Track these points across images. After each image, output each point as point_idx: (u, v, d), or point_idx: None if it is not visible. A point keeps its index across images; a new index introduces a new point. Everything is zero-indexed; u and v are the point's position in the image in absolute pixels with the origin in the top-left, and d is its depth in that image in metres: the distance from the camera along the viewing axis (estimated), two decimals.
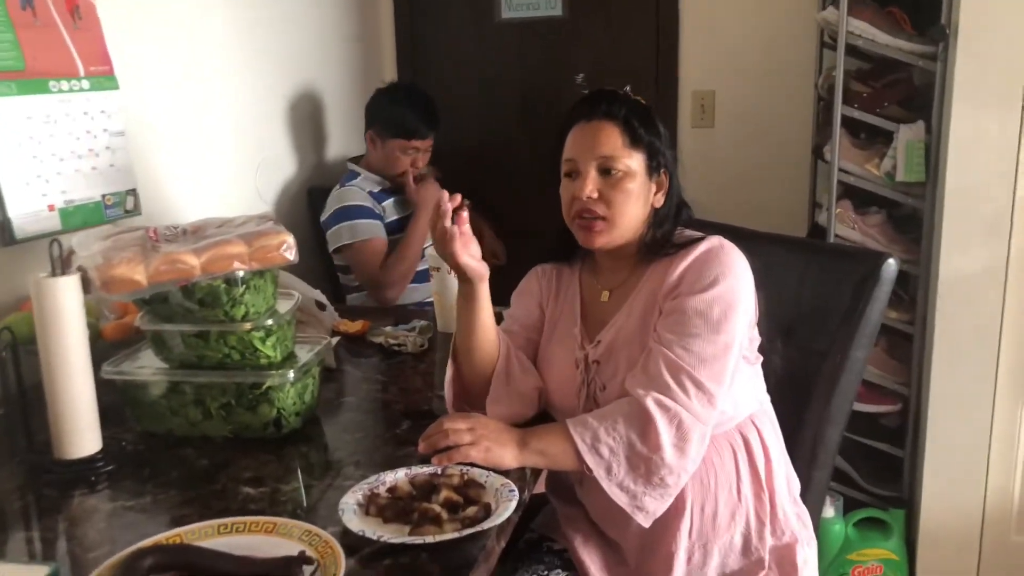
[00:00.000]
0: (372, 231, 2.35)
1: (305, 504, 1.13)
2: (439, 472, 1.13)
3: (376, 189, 2.45)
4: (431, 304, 1.96)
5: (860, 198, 2.27)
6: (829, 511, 2.20)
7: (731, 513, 1.27)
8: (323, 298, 1.76)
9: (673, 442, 1.16)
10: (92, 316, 1.44)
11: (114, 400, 1.31)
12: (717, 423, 1.23)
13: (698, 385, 1.18)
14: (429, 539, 0.97)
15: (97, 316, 1.53)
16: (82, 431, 1.19)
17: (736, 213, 1.93)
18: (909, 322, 2.20)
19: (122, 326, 1.49)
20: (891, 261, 1.43)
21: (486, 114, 3.12)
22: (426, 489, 1.09)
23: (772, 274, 1.45)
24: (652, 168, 1.28)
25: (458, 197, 1.24)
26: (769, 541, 1.29)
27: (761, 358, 1.35)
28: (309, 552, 0.93)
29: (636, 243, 1.31)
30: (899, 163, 2.11)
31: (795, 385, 1.45)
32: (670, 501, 1.18)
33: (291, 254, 1.29)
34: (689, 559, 1.26)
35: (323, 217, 2.42)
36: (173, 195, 2.01)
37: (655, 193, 1.30)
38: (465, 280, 1.27)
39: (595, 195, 1.26)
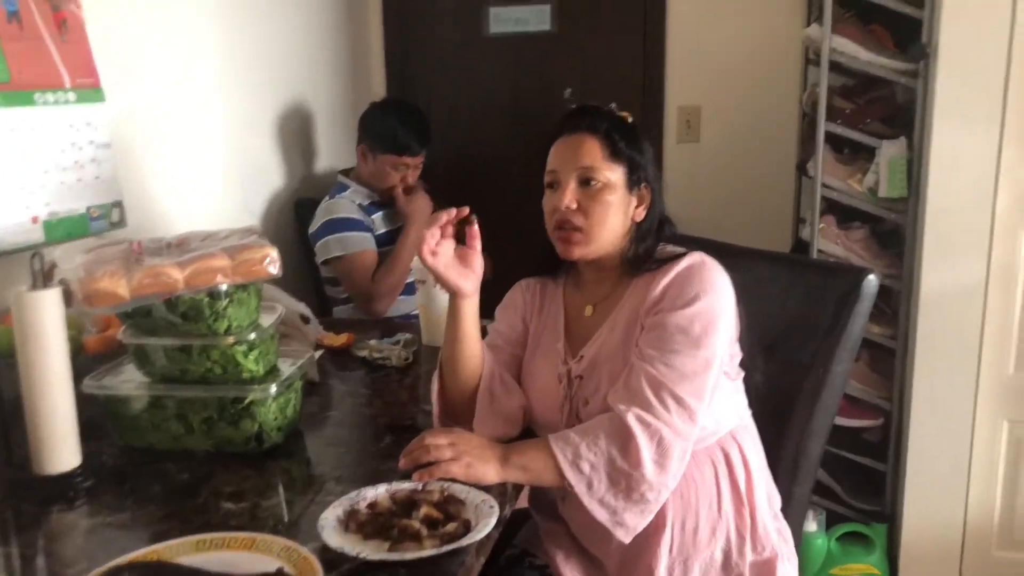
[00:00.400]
0: (362, 243, 2.36)
1: (286, 520, 1.13)
2: (420, 488, 1.13)
3: (366, 202, 2.45)
4: (417, 317, 1.96)
5: (844, 213, 2.29)
6: (812, 525, 2.21)
7: (711, 529, 1.27)
8: (308, 311, 1.76)
9: (654, 458, 1.16)
10: (74, 329, 1.43)
11: (95, 414, 1.30)
12: (698, 439, 1.24)
13: (679, 401, 1.19)
14: (408, 556, 0.97)
15: (79, 329, 1.52)
16: (61, 446, 1.18)
17: (721, 228, 1.95)
18: (892, 337, 2.22)
19: (105, 339, 1.49)
20: (872, 277, 1.44)
21: (475, 128, 3.14)
22: (406, 505, 1.09)
23: (756, 289, 1.46)
24: (633, 182, 1.29)
25: (465, 209, 1.25)
26: (749, 556, 1.29)
27: (742, 373, 1.36)
28: (287, 569, 0.93)
29: (618, 258, 1.32)
30: (882, 179, 2.14)
31: (777, 400, 1.46)
32: (650, 517, 1.18)
33: (274, 268, 1.29)
34: (670, 575, 1.26)
35: (311, 229, 2.42)
36: (160, 207, 2.01)
37: (636, 207, 1.31)
38: (451, 295, 1.28)
39: (574, 205, 1.27)
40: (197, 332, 1.27)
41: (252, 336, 1.30)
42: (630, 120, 1.35)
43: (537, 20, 3.00)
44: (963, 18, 1.95)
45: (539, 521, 1.41)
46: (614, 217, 1.28)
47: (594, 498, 1.16)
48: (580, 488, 1.16)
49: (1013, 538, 2.16)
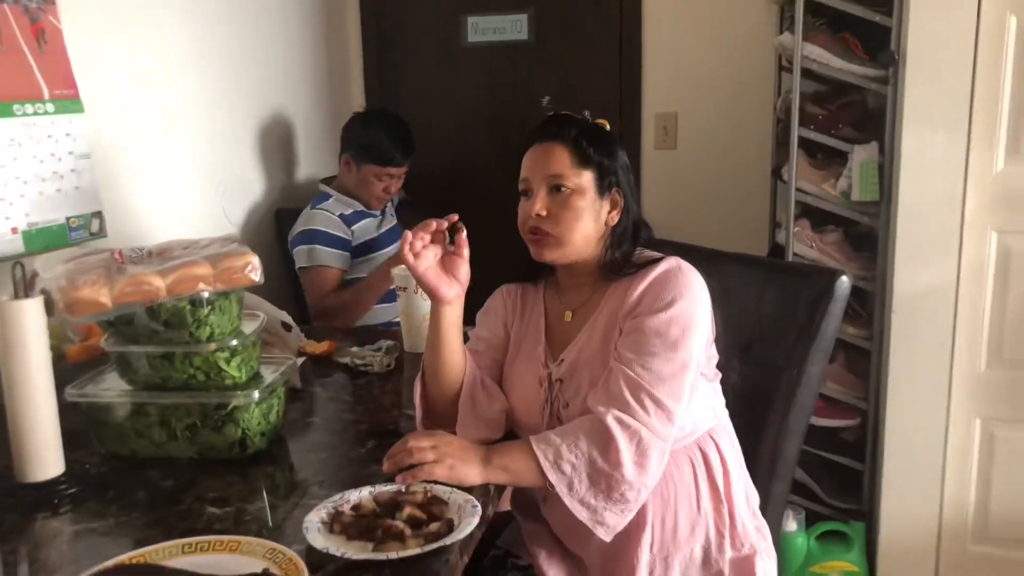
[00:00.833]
0: (327, 259, 2.38)
1: (270, 524, 1.13)
2: (403, 490, 1.14)
3: (348, 211, 2.47)
4: (398, 324, 1.97)
5: (818, 217, 2.33)
6: (792, 525, 2.24)
7: (691, 526, 1.30)
8: (289, 319, 1.77)
9: (633, 458, 1.18)
10: (54, 339, 1.43)
11: (76, 423, 1.30)
12: (676, 438, 1.26)
13: (657, 403, 1.21)
14: (392, 555, 0.98)
15: (60, 339, 1.52)
16: (45, 454, 1.18)
17: (699, 232, 1.98)
18: (867, 338, 2.26)
19: (87, 348, 1.49)
20: (844, 278, 1.48)
21: (454, 136, 3.16)
22: (390, 507, 1.10)
23: (732, 292, 1.49)
24: (603, 187, 1.32)
25: (454, 217, 1.27)
26: (729, 553, 1.31)
27: (719, 375, 1.38)
28: (273, 570, 0.94)
29: (595, 263, 1.34)
30: (854, 183, 2.18)
31: (754, 400, 1.49)
32: (631, 516, 1.20)
33: (256, 275, 1.30)
34: (651, 572, 1.28)
35: (290, 235, 2.44)
36: (140, 217, 2.01)
37: (609, 212, 1.33)
38: (433, 300, 1.30)
39: (544, 212, 1.30)
40: (179, 339, 1.28)
41: (234, 343, 1.30)
42: (607, 127, 1.37)
43: (514, 29, 3.03)
44: (930, 25, 2.00)
45: (521, 522, 1.43)
46: (585, 222, 1.30)
47: (575, 498, 1.18)
48: (561, 488, 1.18)
49: (988, 533, 2.20)
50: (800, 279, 1.55)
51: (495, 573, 1.38)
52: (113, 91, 1.92)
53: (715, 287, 1.32)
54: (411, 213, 2.68)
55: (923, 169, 2.06)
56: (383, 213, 2.58)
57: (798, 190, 2.27)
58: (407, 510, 1.08)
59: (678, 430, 1.25)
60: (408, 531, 1.03)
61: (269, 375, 1.37)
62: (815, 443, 2.29)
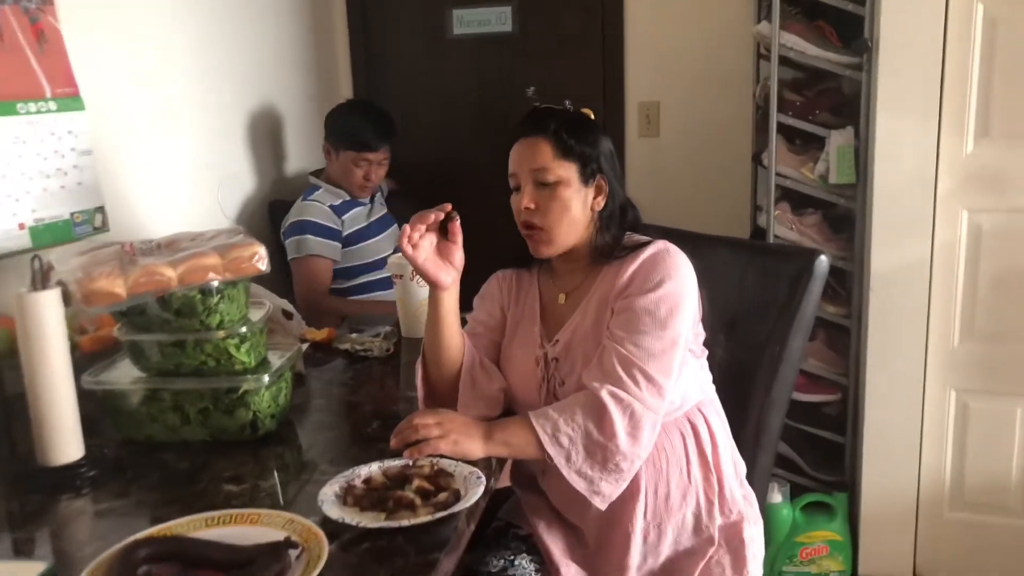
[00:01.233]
0: (318, 249, 2.43)
1: (283, 500, 1.19)
2: (411, 464, 1.20)
3: (337, 202, 2.51)
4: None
5: (797, 200, 2.40)
6: (777, 497, 2.32)
7: (682, 494, 1.37)
8: (290, 307, 1.83)
9: (627, 430, 1.25)
10: (71, 330, 1.48)
11: (91, 410, 1.34)
12: (667, 411, 1.33)
13: (648, 378, 1.28)
14: (405, 523, 1.05)
15: (74, 329, 1.57)
16: (66, 438, 1.23)
17: (683, 217, 2.04)
18: (846, 316, 2.34)
19: (98, 338, 1.54)
20: (823, 257, 1.55)
21: (441, 128, 3.21)
22: (399, 480, 1.17)
23: (716, 273, 1.56)
24: (587, 175, 1.38)
25: (448, 206, 1.33)
26: (718, 519, 1.39)
27: (706, 351, 1.45)
28: (294, 538, 1.00)
29: (586, 248, 1.40)
30: (831, 167, 2.25)
31: (738, 375, 1.56)
32: (624, 485, 1.27)
33: (263, 264, 1.35)
34: (645, 538, 1.36)
35: (283, 227, 2.48)
36: (140, 212, 2.06)
37: (595, 198, 1.39)
38: (431, 286, 1.36)
39: (532, 206, 1.36)
40: (190, 327, 1.33)
41: (243, 329, 1.36)
42: (592, 116, 1.43)
43: (498, 21, 3.08)
44: (901, 14, 2.07)
45: (521, 495, 1.50)
46: (572, 211, 1.36)
47: (572, 469, 1.25)
48: (559, 460, 1.24)
49: (963, 500, 2.29)
50: (781, 260, 1.62)
51: (497, 543, 1.45)
52: (112, 89, 1.96)
53: (700, 268, 1.38)
54: (400, 202, 2.74)
55: (897, 153, 2.14)
56: (372, 201, 2.62)
57: (778, 174, 2.34)
58: (416, 482, 1.14)
59: (668, 404, 1.32)
60: (418, 501, 1.10)
61: (276, 360, 1.42)
62: (798, 418, 2.37)
